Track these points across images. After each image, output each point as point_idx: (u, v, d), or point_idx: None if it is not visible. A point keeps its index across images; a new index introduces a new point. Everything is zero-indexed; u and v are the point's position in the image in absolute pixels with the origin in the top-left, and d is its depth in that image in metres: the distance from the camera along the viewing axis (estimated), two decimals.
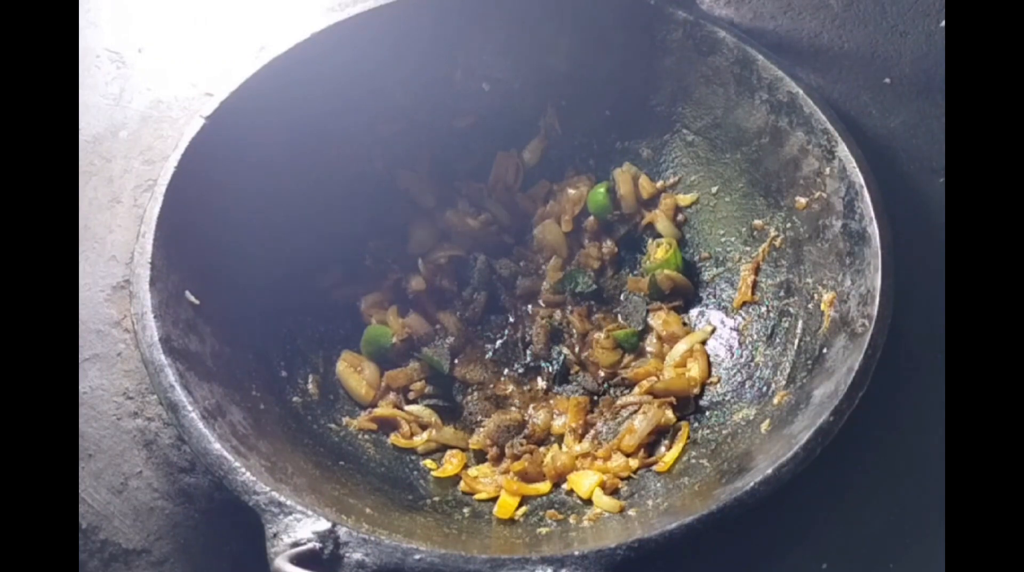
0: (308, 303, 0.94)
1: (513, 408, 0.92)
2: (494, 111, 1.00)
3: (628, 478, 0.85)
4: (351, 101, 0.95)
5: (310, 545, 0.66)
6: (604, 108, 1.00)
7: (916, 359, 0.80)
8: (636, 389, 0.91)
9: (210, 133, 0.85)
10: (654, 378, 0.90)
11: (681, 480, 0.81)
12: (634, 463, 0.85)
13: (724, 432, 0.85)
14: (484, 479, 0.86)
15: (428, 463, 0.88)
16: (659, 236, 0.98)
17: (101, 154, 0.95)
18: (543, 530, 0.79)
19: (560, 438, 0.90)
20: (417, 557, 0.67)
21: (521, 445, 0.88)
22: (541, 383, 0.94)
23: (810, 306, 0.86)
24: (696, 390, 0.89)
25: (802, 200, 0.88)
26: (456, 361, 0.95)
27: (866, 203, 0.81)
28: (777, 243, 0.91)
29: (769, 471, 0.70)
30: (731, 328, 0.92)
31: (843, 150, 0.84)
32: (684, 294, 0.96)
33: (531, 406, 0.92)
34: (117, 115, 0.98)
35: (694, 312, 0.95)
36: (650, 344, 0.94)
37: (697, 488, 0.78)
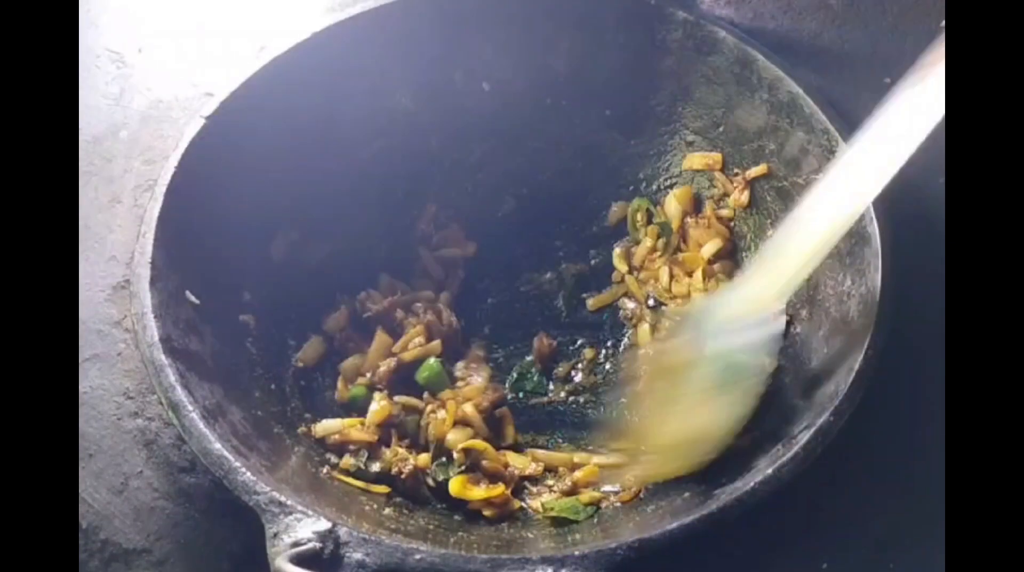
0: None
1: None
2: (494, 111, 1.00)
3: None
4: (351, 101, 0.95)
5: (310, 545, 0.66)
6: (604, 108, 1.00)
7: (916, 359, 0.79)
8: None
9: (210, 133, 0.86)
10: None
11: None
12: None
13: None
14: None
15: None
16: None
17: (101, 154, 0.95)
18: None
19: None
20: (417, 557, 0.67)
21: None
22: None
23: (810, 305, 0.86)
24: None
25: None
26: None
27: None
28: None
29: (769, 471, 0.70)
30: None
31: (843, 150, 0.84)
32: None
33: None
34: (117, 115, 0.98)
35: None
36: None
37: None
